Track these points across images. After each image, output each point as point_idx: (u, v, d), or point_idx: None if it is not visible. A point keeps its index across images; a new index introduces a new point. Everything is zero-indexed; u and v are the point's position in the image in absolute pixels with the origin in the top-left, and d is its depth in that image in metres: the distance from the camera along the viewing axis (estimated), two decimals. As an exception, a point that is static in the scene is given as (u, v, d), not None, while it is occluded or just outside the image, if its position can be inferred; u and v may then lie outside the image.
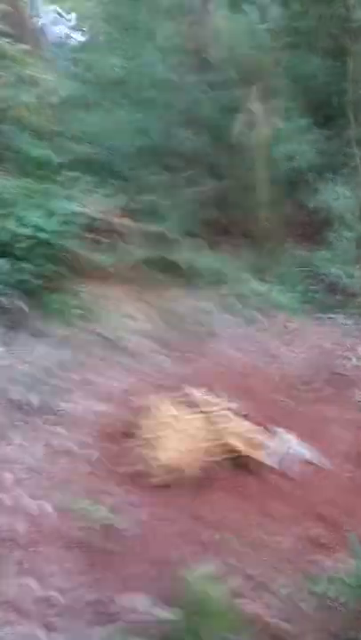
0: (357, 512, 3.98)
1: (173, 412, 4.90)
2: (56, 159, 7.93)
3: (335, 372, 6.19)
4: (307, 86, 9.78)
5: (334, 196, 8.07)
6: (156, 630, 3.03)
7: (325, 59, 9.55)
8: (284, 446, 4.78)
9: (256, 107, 8.34)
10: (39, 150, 7.58)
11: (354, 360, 6.39)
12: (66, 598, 3.32)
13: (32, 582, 3.43)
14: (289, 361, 6.50)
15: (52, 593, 3.35)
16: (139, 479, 4.41)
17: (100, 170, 9.70)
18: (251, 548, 3.67)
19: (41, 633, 3.05)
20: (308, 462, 4.60)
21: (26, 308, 6.50)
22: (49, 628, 3.10)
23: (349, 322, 7.28)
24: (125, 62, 9.34)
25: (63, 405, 5.50)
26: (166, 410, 4.97)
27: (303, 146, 8.39)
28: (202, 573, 3.23)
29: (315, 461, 4.58)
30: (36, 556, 3.66)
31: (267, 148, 8.65)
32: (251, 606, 3.17)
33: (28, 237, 6.60)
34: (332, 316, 7.50)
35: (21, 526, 3.91)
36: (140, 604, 3.26)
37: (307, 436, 4.98)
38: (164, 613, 3.11)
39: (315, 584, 3.23)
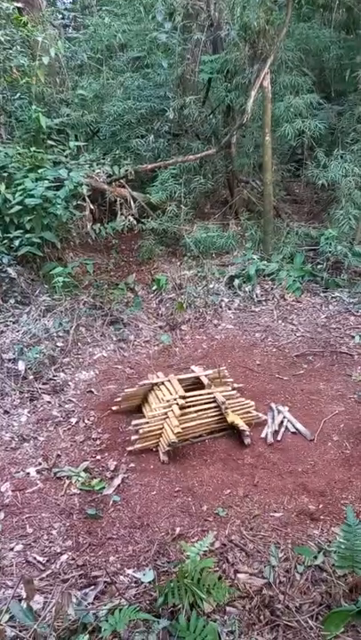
0: (346, 483, 3.93)
1: (166, 383, 4.84)
2: (49, 124, 7.73)
3: (337, 349, 6.10)
4: (318, 60, 9.55)
5: (343, 172, 7.88)
6: (139, 594, 2.98)
7: (338, 31, 9.29)
8: (278, 420, 4.73)
9: (267, 82, 8.11)
10: (32, 114, 7.37)
11: (357, 338, 6.30)
12: (49, 561, 3.29)
13: (16, 546, 3.41)
14: (291, 338, 6.41)
15: (36, 556, 3.32)
16: (127, 449, 4.39)
17: (96, 136, 9.54)
18: (241, 518, 3.62)
19: (24, 594, 3.02)
20: (301, 436, 4.55)
21: (15, 275, 6.41)
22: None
23: (354, 300, 7.17)
24: (127, 26, 9.06)
25: (51, 373, 5.49)
26: (158, 380, 4.92)
27: (313, 121, 8.18)
28: (193, 543, 3.19)
29: (307, 435, 4.53)
30: (21, 520, 3.63)
31: (276, 125, 8.43)
32: (244, 577, 3.12)
33: (18, 203, 6.46)
34: (336, 294, 7.38)
35: (6, 491, 3.89)
36: (123, 569, 3.22)
37: (300, 410, 4.96)
38: (149, 578, 3.07)
39: (307, 555, 3.18)
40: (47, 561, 3.31)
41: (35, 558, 3.31)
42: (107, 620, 2.65)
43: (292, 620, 2.80)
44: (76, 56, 9.26)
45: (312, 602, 2.92)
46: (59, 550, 3.39)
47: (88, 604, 2.93)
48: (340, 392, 5.24)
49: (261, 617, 2.83)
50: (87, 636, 2.61)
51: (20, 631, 2.68)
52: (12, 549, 3.40)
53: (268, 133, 8.09)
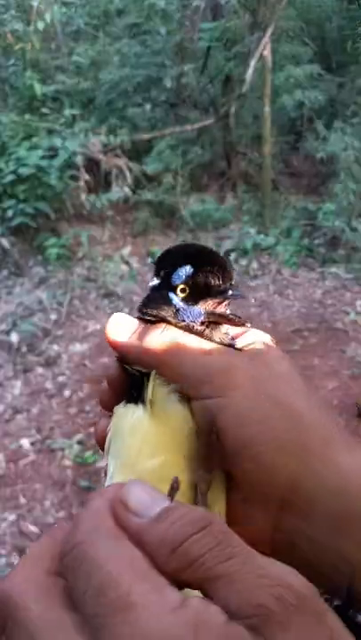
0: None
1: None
2: (44, 91, 7.56)
3: (332, 325, 6.09)
4: (320, 30, 9.34)
5: (343, 146, 7.76)
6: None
7: (341, 0, 9.06)
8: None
9: (267, 51, 7.94)
10: (25, 81, 7.21)
11: (352, 315, 6.28)
12: (42, 532, 3.31)
13: (10, 516, 3.43)
14: (286, 313, 6.40)
15: (30, 526, 3.34)
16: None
17: (92, 105, 9.35)
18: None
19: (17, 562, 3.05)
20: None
21: (8, 246, 6.35)
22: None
23: (350, 276, 7.13)
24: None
25: (44, 346, 5.46)
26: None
27: (313, 93, 8.03)
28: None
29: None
30: (14, 491, 3.64)
31: (275, 95, 8.29)
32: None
33: (11, 172, 6.35)
34: (333, 270, 7.34)
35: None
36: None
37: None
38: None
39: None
40: (40, 531, 3.33)
41: (28, 528, 3.34)
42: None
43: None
44: (72, 21, 9.03)
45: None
46: (52, 521, 3.41)
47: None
48: (334, 368, 5.24)
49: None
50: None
51: (13, 600, 2.70)
52: (5, 519, 3.42)
53: (267, 104, 7.95)
